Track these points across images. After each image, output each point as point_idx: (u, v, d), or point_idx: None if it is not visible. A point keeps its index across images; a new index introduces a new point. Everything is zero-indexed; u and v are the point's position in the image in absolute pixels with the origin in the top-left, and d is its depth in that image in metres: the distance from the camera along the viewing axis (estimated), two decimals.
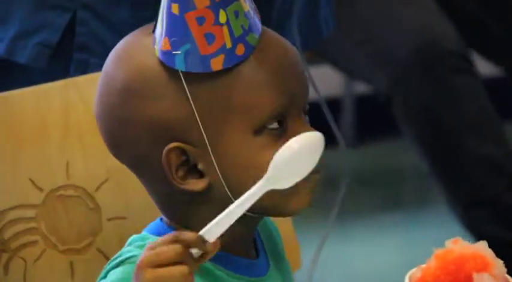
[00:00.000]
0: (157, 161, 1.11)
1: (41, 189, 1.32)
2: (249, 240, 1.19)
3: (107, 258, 1.27)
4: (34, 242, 1.31)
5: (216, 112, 1.11)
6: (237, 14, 1.11)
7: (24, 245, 1.31)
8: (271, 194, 1.09)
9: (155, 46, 1.10)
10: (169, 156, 1.10)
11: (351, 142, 3.02)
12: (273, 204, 1.12)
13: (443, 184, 2.45)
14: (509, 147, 2.58)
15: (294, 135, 1.08)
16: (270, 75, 1.13)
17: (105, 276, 1.12)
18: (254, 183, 1.07)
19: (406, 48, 2.36)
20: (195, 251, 1.00)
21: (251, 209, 1.08)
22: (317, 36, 1.71)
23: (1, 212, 1.29)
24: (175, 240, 1.00)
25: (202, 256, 1.01)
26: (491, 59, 2.65)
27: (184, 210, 1.11)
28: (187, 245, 0.99)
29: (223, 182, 1.09)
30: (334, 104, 3.02)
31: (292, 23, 1.64)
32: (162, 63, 1.10)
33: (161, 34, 1.10)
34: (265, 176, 1.04)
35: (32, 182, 1.32)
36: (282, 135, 1.10)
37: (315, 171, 1.10)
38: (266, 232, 1.23)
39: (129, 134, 1.14)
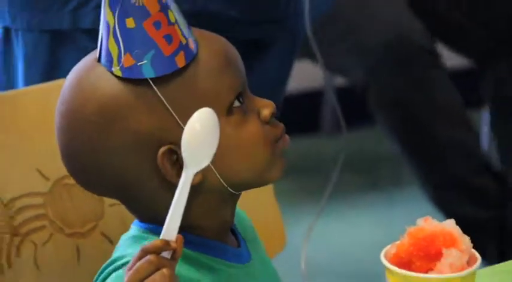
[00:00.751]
0: (150, 171, 1.11)
1: (47, 179, 1.33)
2: (229, 228, 1.18)
3: (110, 241, 1.34)
4: (42, 227, 1.31)
5: (189, 105, 1.09)
6: (178, 13, 1.12)
7: (33, 230, 1.31)
8: (249, 168, 1.13)
9: (112, 69, 1.09)
10: (163, 161, 1.09)
11: (331, 130, 3.01)
12: (254, 177, 1.13)
13: (416, 167, 2.44)
14: (477, 133, 2.58)
15: (254, 109, 1.13)
16: (224, 63, 1.14)
17: (104, 279, 1.11)
18: (241, 160, 1.11)
19: (380, 43, 2.36)
20: (166, 253, 1.01)
21: (236, 188, 1.12)
22: (319, 8, 1.67)
23: (12, 199, 1.29)
24: (145, 253, 1.01)
25: (173, 255, 1.01)
26: (461, 52, 2.64)
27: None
28: (156, 252, 1.00)
29: (213, 168, 1.08)
30: (316, 96, 3.00)
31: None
32: (125, 81, 1.09)
33: (118, 53, 1.09)
34: (185, 166, 1.03)
35: (40, 172, 1.32)
36: (246, 110, 1.12)
37: (278, 138, 1.14)
38: (239, 221, 1.23)
39: (114, 160, 1.13)
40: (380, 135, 2.61)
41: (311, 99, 2.78)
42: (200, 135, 1.04)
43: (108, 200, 1.35)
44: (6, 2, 1.57)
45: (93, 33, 1.45)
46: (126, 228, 1.25)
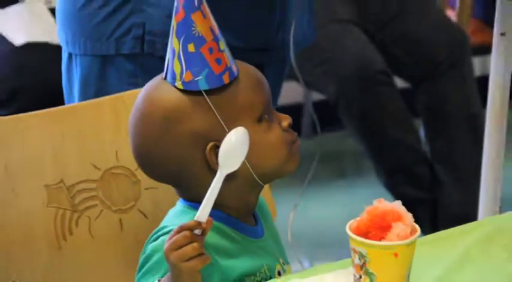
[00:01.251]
0: (200, 161, 1.12)
1: (99, 169, 1.33)
2: (252, 211, 1.18)
3: (144, 215, 1.34)
4: (95, 205, 1.32)
5: (231, 113, 1.11)
6: (225, 44, 1.12)
7: (88, 207, 1.32)
8: (273, 163, 1.14)
9: (176, 83, 1.11)
10: (210, 153, 1.10)
11: (309, 134, 3.01)
12: (276, 169, 1.14)
13: (373, 160, 2.43)
14: (418, 134, 2.53)
15: (276, 119, 1.15)
16: (256, 84, 1.15)
17: (154, 241, 1.12)
18: (267, 157, 1.13)
19: (348, 69, 2.33)
20: (197, 231, 1.02)
21: (262, 178, 1.13)
22: (303, 43, 1.66)
23: (72, 185, 1.30)
24: (182, 229, 1.02)
25: (203, 232, 1.02)
26: (403, 77, 2.61)
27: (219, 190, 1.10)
28: (191, 229, 1.01)
29: (246, 162, 1.09)
30: (298, 107, 3.00)
31: (289, 31, 1.56)
32: (184, 92, 1.10)
33: (181, 71, 1.10)
34: (219, 167, 1.05)
35: (93, 165, 1.32)
36: (271, 121, 1.13)
37: (293, 141, 1.16)
38: (259, 205, 1.23)
39: (174, 153, 1.14)
40: (346, 136, 2.58)
41: (294, 110, 2.75)
42: (233, 147, 1.06)
43: (143, 185, 1.34)
44: (70, 33, 1.54)
45: (131, 57, 1.50)
46: (156, 206, 1.32)
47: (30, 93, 1.90)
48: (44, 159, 1.30)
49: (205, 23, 1.11)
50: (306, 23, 1.63)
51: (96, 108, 1.37)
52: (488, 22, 1.72)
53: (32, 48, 2.02)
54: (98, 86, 1.52)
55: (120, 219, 1.32)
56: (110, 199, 1.32)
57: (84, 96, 1.52)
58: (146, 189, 1.33)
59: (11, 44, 2.07)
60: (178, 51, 1.09)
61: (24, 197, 1.28)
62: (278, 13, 1.54)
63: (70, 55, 1.55)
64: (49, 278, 1.29)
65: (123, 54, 1.48)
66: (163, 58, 1.32)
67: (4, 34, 2.09)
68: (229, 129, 1.09)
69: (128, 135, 1.21)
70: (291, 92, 2.14)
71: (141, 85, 1.28)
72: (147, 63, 1.50)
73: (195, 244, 1.01)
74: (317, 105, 2.84)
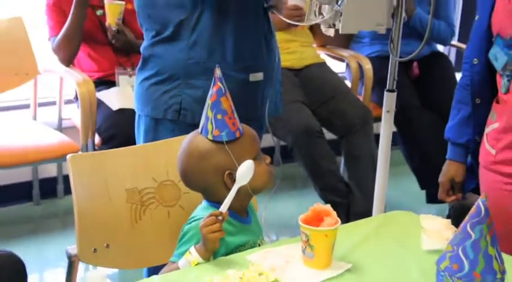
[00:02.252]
0: (220, 183, 1.08)
1: (157, 181, 1.30)
2: (245, 209, 1.14)
3: (183, 209, 1.30)
4: (154, 202, 1.29)
5: (240, 155, 1.07)
6: (237, 115, 1.10)
7: (150, 203, 1.29)
8: (261, 183, 1.10)
9: (208, 136, 1.09)
10: (227, 178, 1.07)
11: (277, 163, 2.83)
12: (263, 187, 1.11)
13: (313, 180, 2.30)
14: (339, 166, 2.39)
15: (263, 159, 1.11)
16: (253, 138, 1.12)
17: (189, 224, 1.09)
18: (258, 180, 1.08)
19: (298, 130, 2.22)
20: (220, 218, 1.01)
21: (254, 192, 1.09)
22: (274, 113, 1.57)
23: (141, 190, 1.27)
24: (211, 215, 1.02)
25: (222, 219, 1.01)
26: (333, 133, 2.41)
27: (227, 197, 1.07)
28: (216, 216, 1.01)
29: (247, 184, 1.06)
30: (271, 149, 2.82)
31: (266, 106, 1.47)
32: (213, 142, 1.07)
33: (212, 129, 1.09)
34: (236, 182, 1.05)
35: (153, 178, 1.30)
36: (260, 159, 1.10)
37: (272, 171, 1.12)
38: (250, 207, 1.18)
39: (204, 177, 1.10)
40: (298, 166, 2.43)
41: (269, 150, 2.68)
42: (245, 172, 1.06)
43: (182, 191, 1.30)
44: (140, 103, 1.44)
45: (172, 121, 1.40)
46: (190, 204, 1.27)
47: (120, 137, 1.86)
48: (126, 175, 1.28)
49: (227, 103, 1.09)
50: (276, 101, 1.56)
51: (154, 147, 1.34)
52: (380, 104, 1.69)
53: (122, 111, 1.94)
54: (153, 135, 1.45)
55: (168, 211, 1.30)
56: (162, 199, 1.30)
57: (146, 140, 1.46)
58: (184, 193, 1.31)
59: (110, 109, 1.98)
60: (211, 118, 1.08)
61: (115, 197, 1.26)
62: (261, 95, 1.47)
63: (139, 116, 1.49)
64: (128, 243, 1.28)
65: (168, 119, 1.42)
66: (190, 124, 1.35)
67: (107, 102, 2.00)
68: (239, 164, 1.07)
69: (174, 163, 1.17)
70: (268, 139, 1.89)
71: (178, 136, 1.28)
72: (180, 125, 1.42)
73: (217, 224, 1.01)
74: (282, 148, 2.77)
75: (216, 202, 1.08)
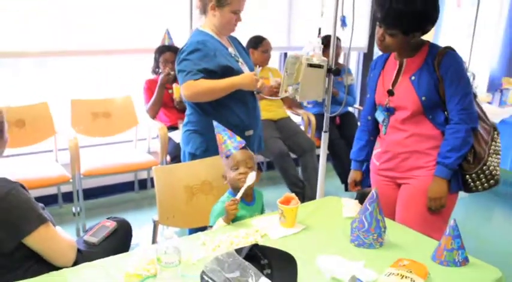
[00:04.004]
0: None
1: (200, 180, 1.51)
2: (251, 195, 1.28)
3: (214, 196, 1.50)
4: (198, 192, 1.52)
5: (229, 166, 1.21)
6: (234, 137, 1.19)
7: (196, 192, 1.52)
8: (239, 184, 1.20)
9: (222, 156, 1.18)
10: (224, 179, 1.12)
11: (264, 170, 3.01)
12: (240, 186, 1.19)
13: (285, 179, 2.52)
14: (298, 171, 2.63)
15: (240, 169, 1.20)
16: (238, 157, 1.23)
17: (216, 205, 1.24)
18: (236, 182, 1.17)
19: (276, 152, 2.57)
20: (236, 202, 1.16)
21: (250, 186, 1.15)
22: (259, 149, 1.72)
23: (192, 185, 1.50)
24: (232, 200, 1.19)
25: (237, 203, 1.16)
26: (294, 154, 2.72)
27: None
28: (234, 201, 1.18)
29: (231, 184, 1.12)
30: (262, 163, 3.10)
31: (254, 144, 1.66)
32: (226, 158, 1.19)
33: (225, 151, 1.20)
34: (245, 183, 1.18)
35: (198, 179, 1.50)
36: (252, 169, 1.17)
37: (239, 174, 1.21)
38: (258, 193, 1.32)
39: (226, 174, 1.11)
40: (276, 172, 2.61)
41: (260, 164, 2.81)
42: (251, 177, 1.20)
43: (213, 186, 1.49)
44: (183, 140, 1.62)
45: (200, 155, 1.58)
46: (218, 194, 1.46)
47: (179, 157, 1.88)
48: (183, 177, 1.46)
49: (223, 138, 1.21)
50: (260, 142, 1.72)
51: (199, 163, 1.54)
52: (319, 139, 2.04)
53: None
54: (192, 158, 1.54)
55: (206, 197, 1.55)
56: (201, 191, 1.55)
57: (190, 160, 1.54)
58: (213, 187, 1.56)
59: (175, 141, 2.50)
60: (226, 152, 1.26)
61: (177, 189, 1.47)
62: (252, 142, 1.62)
63: (184, 151, 1.64)
64: (184, 214, 1.47)
65: (194, 154, 1.58)
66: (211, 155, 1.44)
67: (173, 138, 2.42)
68: (227, 174, 1.19)
69: (208, 170, 1.41)
70: (260, 158, 2.29)
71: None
72: (202, 155, 1.55)
73: (234, 205, 1.21)
74: (268, 162, 3.02)
75: (235, 193, 1.27)
